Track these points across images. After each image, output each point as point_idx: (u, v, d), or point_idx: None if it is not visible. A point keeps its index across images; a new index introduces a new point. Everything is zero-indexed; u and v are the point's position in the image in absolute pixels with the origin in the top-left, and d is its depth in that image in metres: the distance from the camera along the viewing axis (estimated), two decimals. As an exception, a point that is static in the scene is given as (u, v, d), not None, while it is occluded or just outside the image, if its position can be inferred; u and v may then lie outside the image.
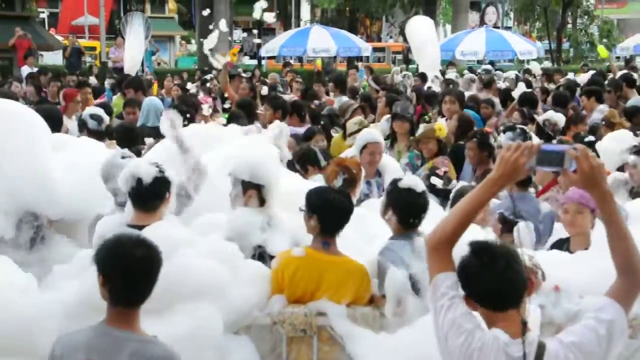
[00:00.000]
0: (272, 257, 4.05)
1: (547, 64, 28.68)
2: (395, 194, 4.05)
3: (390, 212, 4.02)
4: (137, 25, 15.73)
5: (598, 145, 6.21)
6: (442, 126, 6.69)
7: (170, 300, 3.48)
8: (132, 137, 6.49)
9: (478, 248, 2.65)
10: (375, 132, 6.37)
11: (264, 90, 10.70)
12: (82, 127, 6.72)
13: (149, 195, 3.92)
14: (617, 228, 2.61)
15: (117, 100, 10.19)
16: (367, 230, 4.37)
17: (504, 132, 6.58)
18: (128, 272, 2.82)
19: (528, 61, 25.33)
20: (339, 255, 3.90)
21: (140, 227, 3.68)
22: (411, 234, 3.92)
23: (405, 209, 3.97)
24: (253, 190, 4.25)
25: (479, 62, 24.58)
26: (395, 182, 4.14)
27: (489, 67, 18.45)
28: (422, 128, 6.67)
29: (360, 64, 21.86)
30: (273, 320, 3.79)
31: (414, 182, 4.12)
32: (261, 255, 4.11)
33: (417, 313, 3.68)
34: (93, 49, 26.50)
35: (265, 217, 4.21)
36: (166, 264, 2.98)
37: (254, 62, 27.99)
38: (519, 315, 2.61)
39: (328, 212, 3.84)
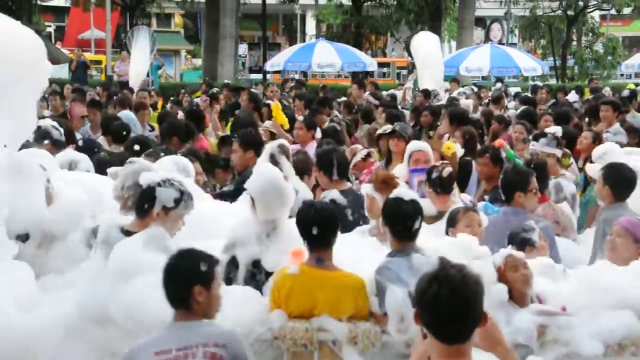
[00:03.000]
0: (267, 273, 4.06)
1: (552, 81, 28.72)
2: (385, 206, 4.06)
3: (384, 226, 4.01)
4: (143, 39, 15.84)
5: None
6: (452, 145, 6.62)
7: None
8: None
9: (439, 276, 2.51)
10: (422, 143, 6.31)
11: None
12: (45, 136, 6.19)
13: (139, 203, 3.99)
14: None
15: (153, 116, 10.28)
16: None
17: (535, 139, 6.58)
18: None
19: (533, 78, 25.37)
20: (333, 270, 3.88)
21: (132, 233, 3.81)
22: (408, 249, 3.89)
23: (393, 219, 3.95)
24: None
25: (484, 78, 24.62)
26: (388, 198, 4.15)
27: (498, 84, 18.48)
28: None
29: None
30: (274, 335, 3.79)
31: (402, 191, 4.12)
32: (256, 269, 4.13)
33: (417, 330, 3.68)
34: (99, 62, 26.64)
35: (267, 227, 4.21)
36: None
37: (259, 76, 28.08)
38: (469, 349, 2.53)
39: (310, 227, 3.82)
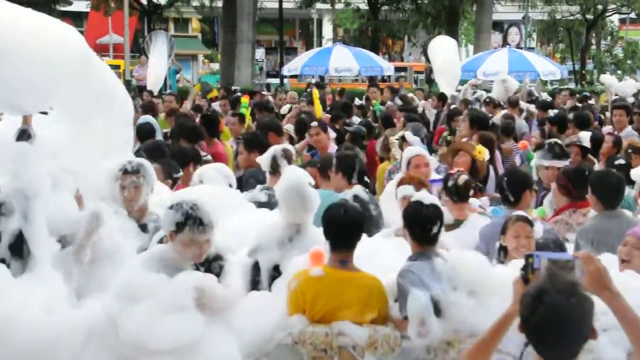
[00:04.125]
0: None
1: (571, 85, 28.54)
2: (405, 210, 4.05)
3: (405, 230, 4.00)
4: (161, 43, 15.89)
5: (633, 172, 6.08)
6: (483, 150, 6.60)
7: None
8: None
9: (545, 301, 2.36)
10: (417, 147, 6.33)
11: (284, 109, 10.73)
12: None
13: None
14: (630, 323, 2.69)
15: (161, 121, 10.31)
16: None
17: (534, 150, 6.52)
18: None
19: (552, 82, 25.21)
20: (357, 272, 3.88)
21: None
22: (429, 253, 3.89)
23: (413, 222, 3.94)
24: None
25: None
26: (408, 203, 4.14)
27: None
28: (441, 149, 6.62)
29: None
30: (294, 340, 3.78)
31: (423, 195, 4.13)
32: (276, 272, 4.14)
33: (439, 334, 3.66)
34: (117, 67, 26.80)
35: (290, 231, 4.22)
36: None
37: (277, 80, 28.14)
38: None
39: (334, 228, 3.84)
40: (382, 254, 4.28)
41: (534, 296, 2.39)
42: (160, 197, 4.76)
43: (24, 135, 4.29)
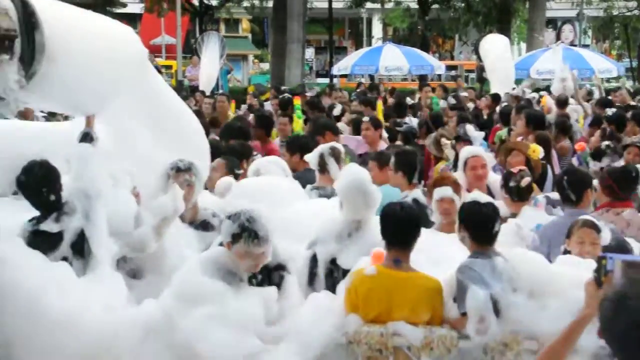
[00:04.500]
0: (344, 271, 4.07)
1: (629, 82, 27.86)
2: (462, 210, 3.98)
3: (462, 230, 3.93)
4: (213, 44, 16.07)
5: None
6: (537, 148, 6.50)
7: None
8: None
9: (627, 306, 2.21)
10: (475, 147, 6.25)
11: (337, 110, 10.71)
12: None
13: None
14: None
15: None
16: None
17: (592, 157, 6.39)
18: None
19: (609, 79, 24.65)
20: (411, 272, 3.85)
21: None
22: (489, 252, 3.83)
23: (473, 222, 3.88)
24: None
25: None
26: (463, 203, 4.08)
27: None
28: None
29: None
30: (349, 339, 3.76)
31: (477, 195, 4.10)
32: (333, 266, 4.17)
33: (497, 333, 3.60)
34: (169, 67, 27.15)
35: (349, 227, 4.23)
36: None
37: (326, 80, 28.15)
38: None
39: (391, 227, 3.82)
40: (440, 248, 4.27)
41: (615, 302, 2.24)
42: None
43: (86, 137, 4.38)
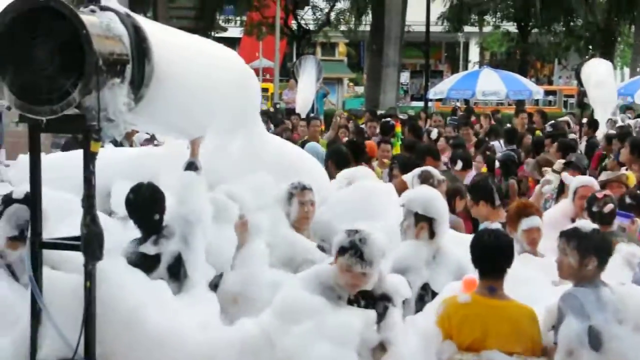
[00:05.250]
0: (434, 293, 4.12)
1: None
2: (590, 241, 3.80)
3: (593, 260, 3.76)
4: (310, 67, 16.28)
5: None
6: (631, 175, 6.36)
7: None
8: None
9: None
10: (587, 177, 6.21)
11: (434, 134, 10.66)
12: None
13: None
14: None
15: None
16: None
17: None
18: None
19: None
20: (506, 300, 3.79)
21: None
22: (597, 281, 3.74)
23: (603, 252, 3.78)
24: (425, 223, 4.41)
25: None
26: (576, 232, 3.92)
27: None
28: (604, 175, 6.39)
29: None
30: (442, 366, 3.72)
31: (585, 222, 4.01)
32: (424, 291, 4.23)
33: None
34: (266, 90, 27.73)
35: (432, 250, 4.35)
36: None
37: (421, 104, 28.03)
38: None
39: (484, 254, 3.79)
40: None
41: None
42: None
43: (191, 166, 4.52)
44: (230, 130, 4.60)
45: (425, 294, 4.23)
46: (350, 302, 3.79)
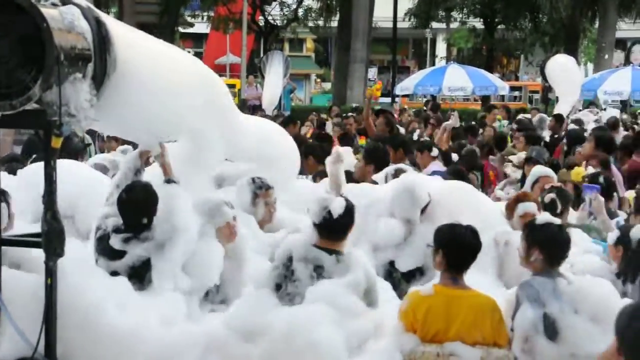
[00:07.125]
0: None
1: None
2: (538, 232, 3.93)
3: (536, 253, 3.88)
4: (277, 63, 16.29)
5: None
6: (581, 171, 6.49)
7: None
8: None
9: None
10: (546, 168, 6.32)
11: (415, 136, 10.75)
12: None
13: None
14: None
15: None
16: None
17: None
18: None
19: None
20: (467, 290, 3.87)
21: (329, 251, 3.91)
22: (554, 272, 3.84)
23: (551, 246, 3.88)
24: None
25: (622, 102, 23.51)
26: (531, 223, 4.05)
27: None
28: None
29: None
30: (405, 359, 3.74)
31: (548, 217, 4.09)
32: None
33: (551, 356, 3.55)
34: (233, 86, 27.62)
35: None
36: None
37: (388, 99, 28.15)
38: None
39: (454, 248, 3.85)
40: None
41: (630, 312, 2.42)
42: None
43: (170, 182, 4.37)
44: (204, 129, 4.52)
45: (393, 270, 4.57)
46: None
